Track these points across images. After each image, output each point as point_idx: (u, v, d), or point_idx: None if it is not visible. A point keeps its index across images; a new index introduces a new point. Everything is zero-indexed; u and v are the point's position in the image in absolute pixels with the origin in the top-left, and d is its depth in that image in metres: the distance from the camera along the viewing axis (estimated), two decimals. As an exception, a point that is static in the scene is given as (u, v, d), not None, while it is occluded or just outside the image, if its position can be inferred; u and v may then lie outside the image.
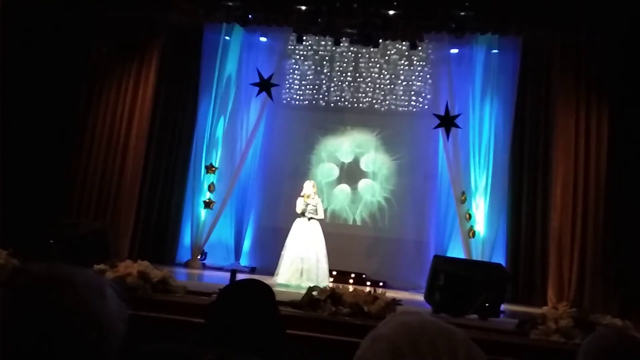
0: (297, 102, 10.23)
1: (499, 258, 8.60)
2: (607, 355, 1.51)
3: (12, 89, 8.11)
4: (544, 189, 8.78)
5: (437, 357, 0.88)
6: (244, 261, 9.79)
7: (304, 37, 9.79)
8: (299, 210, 7.97)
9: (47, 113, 8.80)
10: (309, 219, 7.92)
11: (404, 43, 9.76)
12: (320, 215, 8.08)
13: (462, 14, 8.06)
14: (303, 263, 7.73)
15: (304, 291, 5.28)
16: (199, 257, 9.37)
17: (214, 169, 9.59)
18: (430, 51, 9.58)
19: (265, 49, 9.83)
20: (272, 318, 1.92)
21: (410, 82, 9.98)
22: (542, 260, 8.60)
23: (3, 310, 0.94)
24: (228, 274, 6.93)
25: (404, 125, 9.91)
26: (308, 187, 8.08)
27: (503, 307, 6.37)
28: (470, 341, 0.93)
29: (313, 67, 10.23)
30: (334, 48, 10.01)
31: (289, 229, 8.04)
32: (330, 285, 5.85)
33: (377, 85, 10.06)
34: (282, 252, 7.94)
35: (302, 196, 8.01)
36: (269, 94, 9.10)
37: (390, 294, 5.62)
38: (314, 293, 5.13)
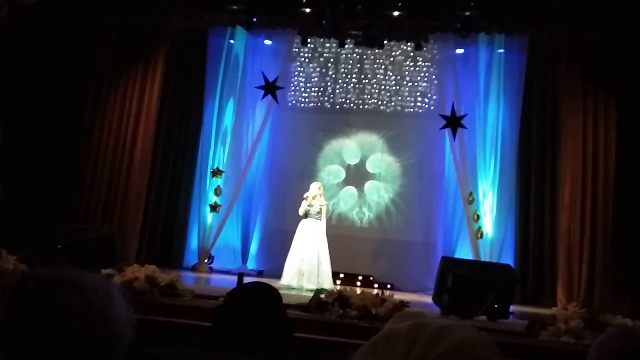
0: (302, 105, 10.20)
1: (508, 259, 8.53)
2: (618, 356, 1.51)
3: (19, 96, 8.16)
4: (552, 188, 8.71)
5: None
6: (251, 264, 9.76)
7: (309, 40, 9.77)
8: (301, 212, 7.88)
9: (54, 119, 8.83)
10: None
11: (408, 44, 9.73)
12: (322, 221, 7.85)
13: (467, 13, 8.03)
14: (304, 264, 7.62)
15: (305, 292, 5.26)
16: (206, 260, 9.35)
17: (220, 172, 9.58)
18: (435, 51, 9.53)
19: (270, 51, 9.81)
20: (279, 321, 1.91)
21: (416, 83, 9.94)
22: (551, 260, 8.53)
23: (11, 315, 0.94)
24: (235, 278, 6.91)
25: (410, 127, 9.86)
26: (314, 188, 7.95)
27: (512, 308, 6.32)
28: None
29: (318, 69, 10.20)
30: (338, 50, 9.98)
31: (296, 231, 7.99)
32: (335, 287, 5.82)
33: (383, 87, 10.02)
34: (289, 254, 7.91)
35: (305, 198, 7.91)
36: (274, 97, 9.10)
37: (398, 296, 5.60)
38: (322, 296, 5.11)
